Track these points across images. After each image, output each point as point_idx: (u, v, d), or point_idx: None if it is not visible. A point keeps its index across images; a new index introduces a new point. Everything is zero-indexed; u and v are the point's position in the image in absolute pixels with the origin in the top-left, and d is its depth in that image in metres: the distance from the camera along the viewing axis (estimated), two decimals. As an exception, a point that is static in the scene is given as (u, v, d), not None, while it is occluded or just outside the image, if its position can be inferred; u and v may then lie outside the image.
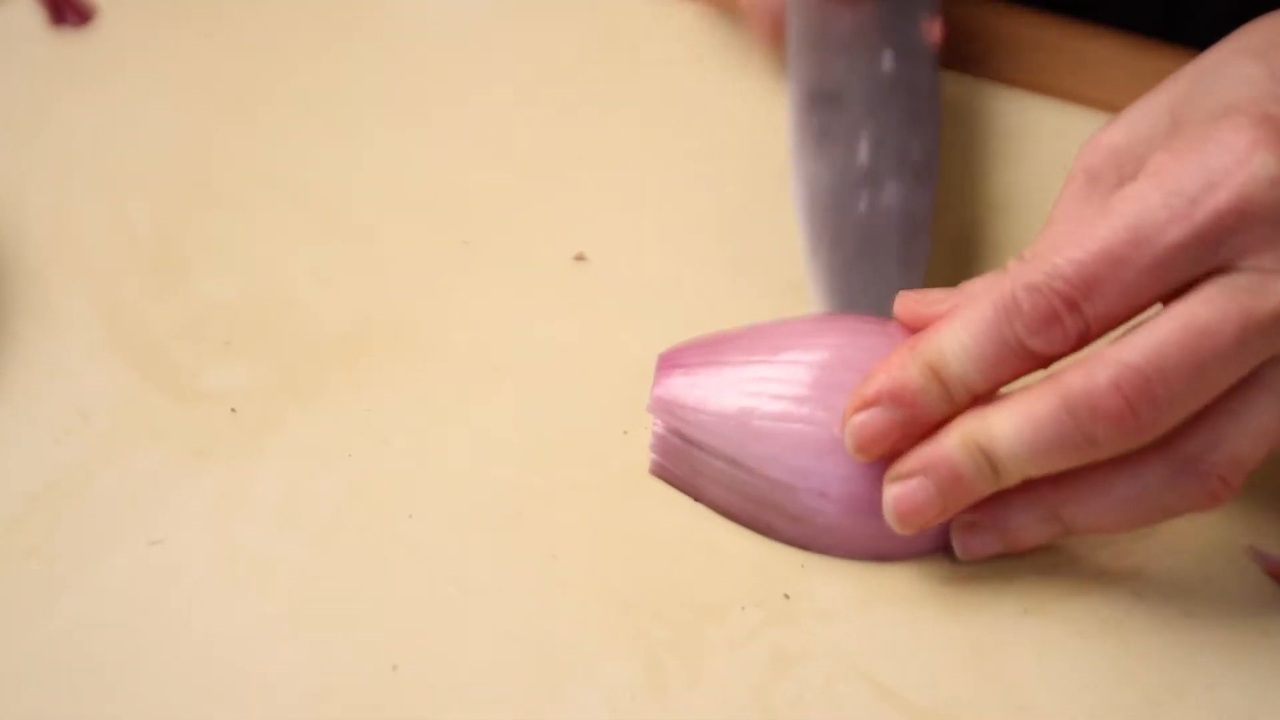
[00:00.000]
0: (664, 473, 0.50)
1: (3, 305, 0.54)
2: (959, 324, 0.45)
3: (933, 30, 0.58)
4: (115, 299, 0.55)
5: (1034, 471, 0.45)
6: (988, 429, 0.44)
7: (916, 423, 0.45)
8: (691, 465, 0.49)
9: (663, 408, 0.49)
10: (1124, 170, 0.47)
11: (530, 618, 0.46)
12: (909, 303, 0.48)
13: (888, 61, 0.57)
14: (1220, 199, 0.42)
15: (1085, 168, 0.48)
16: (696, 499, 0.49)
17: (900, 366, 0.45)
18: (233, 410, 0.51)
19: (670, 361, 0.50)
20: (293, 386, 0.52)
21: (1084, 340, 0.44)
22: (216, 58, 0.64)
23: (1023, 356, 0.44)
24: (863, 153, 0.55)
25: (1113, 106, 0.62)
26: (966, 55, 0.65)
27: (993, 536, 0.47)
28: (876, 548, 0.48)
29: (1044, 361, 0.44)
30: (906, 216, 0.53)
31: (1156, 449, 0.44)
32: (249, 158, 0.60)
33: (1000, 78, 0.64)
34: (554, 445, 0.51)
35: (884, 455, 0.46)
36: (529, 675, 0.45)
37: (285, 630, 0.46)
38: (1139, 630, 0.47)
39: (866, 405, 0.46)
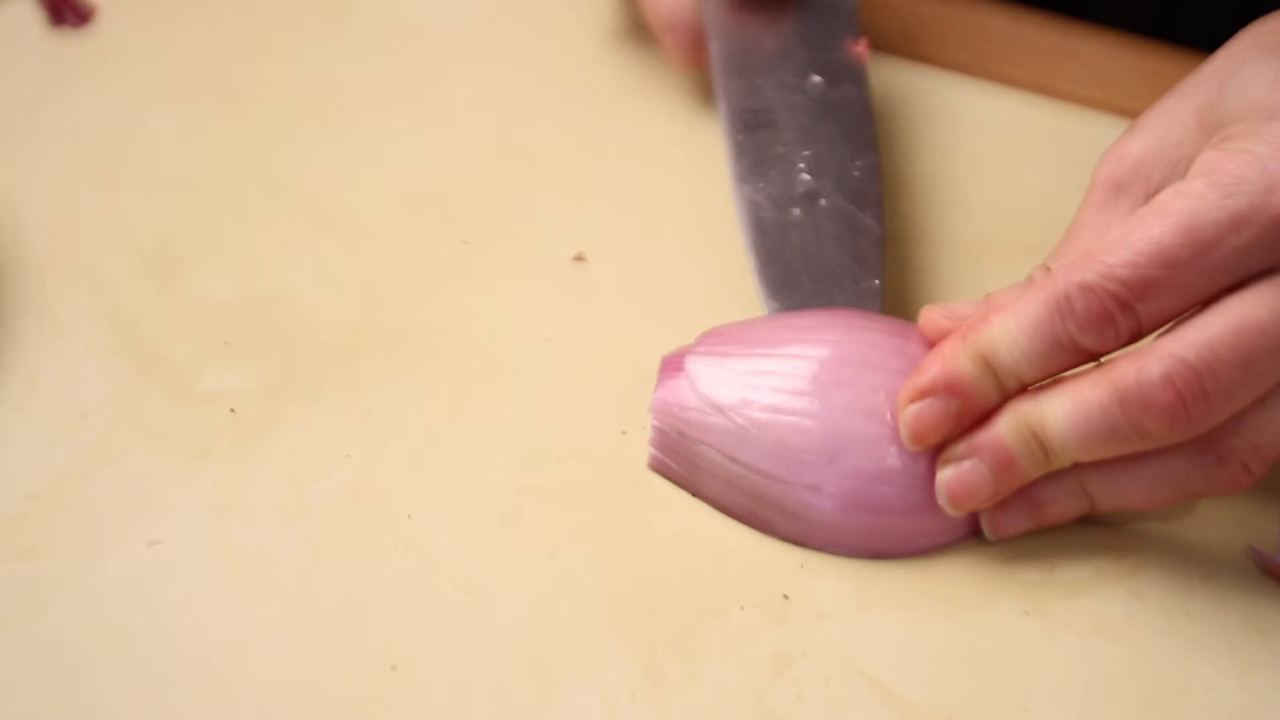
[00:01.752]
0: (662, 468, 0.50)
1: (2, 305, 0.54)
2: (1010, 317, 0.45)
3: (857, 49, 0.58)
4: (114, 299, 0.55)
5: (1083, 457, 0.45)
6: (1040, 414, 0.45)
7: (969, 412, 0.46)
8: (690, 460, 0.49)
9: (663, 408, 0.49)
10: (1151, 179, 0.47)
11: (529, 617, 0.46)
12: (935, 318, 0.48)
13: (815, 83, 0.56)
14: (1278, 202, 0.42)
15: (1109, 176, 0.47)
16: (694, 494, 0.49)
17: (953, 358, 0.46)
18: (232, 410, 0.51)
19: (673, 363, 0.50)
20: (292, 386, 0.52)
21: (1135, 338, 0.44)
22: (215, 58, 0.64)
23: (1073, 352, 0.45)
24: (802, 177, 0.54)
25: (1109, 106, 0.62)
26: (964, 55, 0.65)
27: (1021, 512, 0.47)
28: (873, 545, 0.48)
29: (1094, 356, 0.45)
30: (852, 223, 0.52)
31: None
32: (248, 158, 0.60)
33: (998, 78, 0.64)
34: (553, 445, 0.50)
35: (932, 446, 0.47)
36: (527, 675, 0.45)
37: (284, 630, 0.46)
38: (1138, 630, 0.47)
39: (921, 395, 0.46)
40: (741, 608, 0.47)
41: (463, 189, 0.59)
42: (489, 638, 0.46)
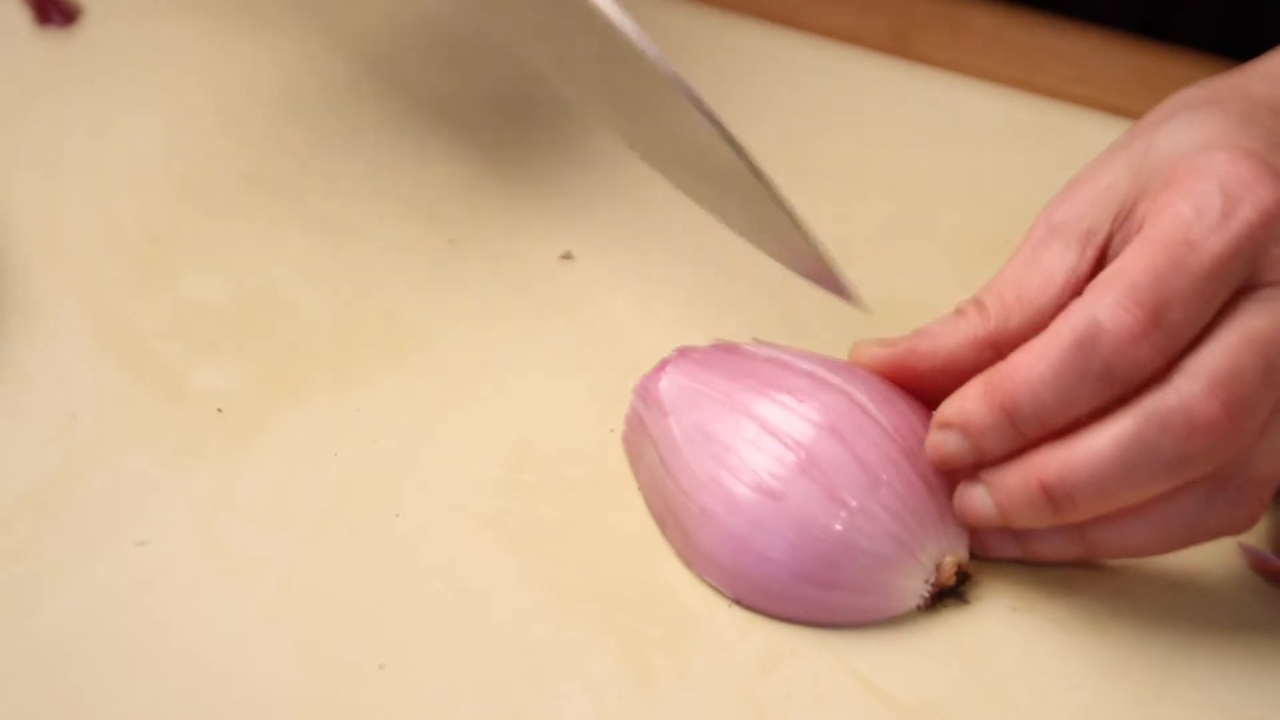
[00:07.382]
0: (625, 446, 0.50)
1: (-11, 306, 0.54)
2: (1034, 357, 0.44)
3: None
4: (103, 299, 0.54)
5: (1107, 502, 0.44)
6: (1055, 468, 0.44)
7: (985, 453, 0.45)
8: (638, 448, 0.49)
9: (640, 389, 0.50)
10: (1084, 220, 0.46)
11: (518, 616, 0.46)
12: (871, 353, 0.48)
13: None
14: (1247, 212, 0.43)
15: (1046, 219, 0.47)
16: (638, 484, 0.49)
17: (974, 400, 0.45)
18: (220, 410, 0.51)
19: (680, 354, 0.50)
20: (280, 386, 0.52)
21: (1166, 357, 0.43)
22: (202, 57, 0.64)
23: (1103, 383, 0.43)
24: None
25: (1099, 104, 0.62)
26: (952, 52, 0.65)
27: (1010, 540, 0.47)
28: (736, 591, 0.47)
29: (1123, 389, 0.44)
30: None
31: None
32: (236, 157, 0.60)
33: (986, 76, 0.64)
34: (540, 444, 0.51)
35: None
36: (516, 674, 0.45)
37: (272, 630, 0.46)
38: (1127, 627, 0.47)
39: (941, 427, 0.46)
40: (730, 605, 0.47)
41: (449, 187, 0.59)
42: (478, 636, 0.46)
